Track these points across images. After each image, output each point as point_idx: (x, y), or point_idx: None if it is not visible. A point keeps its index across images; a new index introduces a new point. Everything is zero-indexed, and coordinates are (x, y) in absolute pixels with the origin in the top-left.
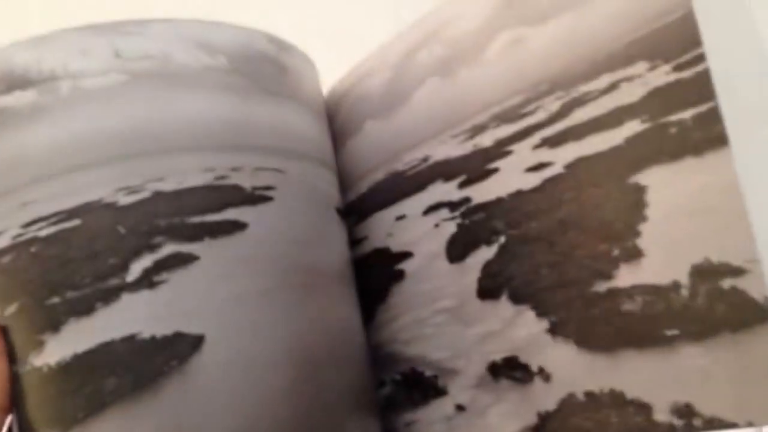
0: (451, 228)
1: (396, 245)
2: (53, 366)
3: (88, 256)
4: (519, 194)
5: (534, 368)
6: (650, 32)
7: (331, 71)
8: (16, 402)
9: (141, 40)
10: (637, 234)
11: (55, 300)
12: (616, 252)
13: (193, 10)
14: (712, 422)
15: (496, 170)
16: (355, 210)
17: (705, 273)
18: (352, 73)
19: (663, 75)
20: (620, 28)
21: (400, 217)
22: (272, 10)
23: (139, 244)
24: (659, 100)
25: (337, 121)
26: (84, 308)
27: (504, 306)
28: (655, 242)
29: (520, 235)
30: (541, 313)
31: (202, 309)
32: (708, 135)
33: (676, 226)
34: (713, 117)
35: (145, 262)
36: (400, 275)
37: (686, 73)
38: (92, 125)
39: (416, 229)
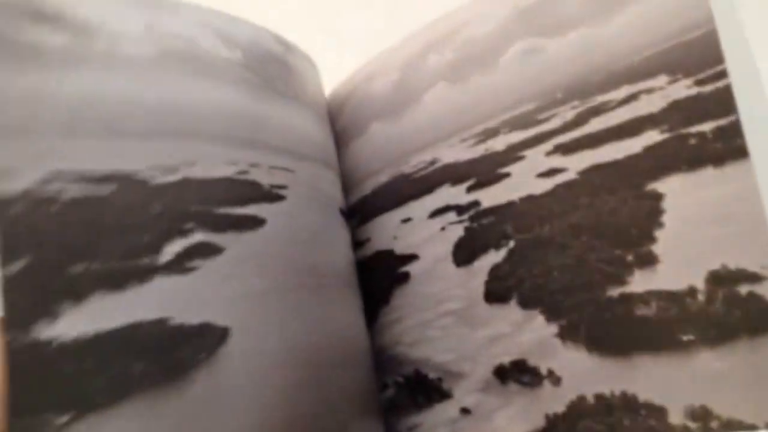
0: (458, 231)
1: (401, 248)
2: (68, 342)
3: (121, 229)
4: (531, 199)
5: (543, 371)
6: (671, 47)
7: (328, 73)
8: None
9: (172, 19)
10: (653, 240)
11: (79, 268)
12: (630, 257)
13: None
14: (730, 424)
15: (507, 175)
16: (358, 212)
17: (722, 279)
18: (356, 75)
19: (684, 88)
20: (638, 42)
21: (406, 220)
22: (270, 12)
23: (171, 226)
24: (679, 112)
25: (340, 122)
26: (114, 283)
27: (513, 309)
28: (672, 248)
29: (531, 239)
30: (551, 316)
31: (228, 301)
32: (728, 147)
33: (693, 233)
34: (734, 130)
35: (177, 245)
36: (405, 277)
37: (707, 88)
38: (128, 93)
39: (422, 231)
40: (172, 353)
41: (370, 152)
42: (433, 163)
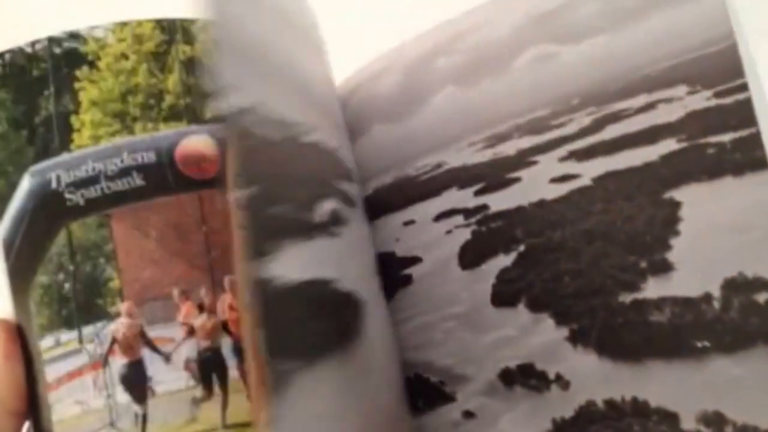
0: (464, 235)
1: (403, 250)
2: (280, 286)
3: (292, 179)
4: (542, 204)
5: (551, 375)
6: (691, 59)
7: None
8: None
9: None
10: (668, 247)
11: (278, 209)
12: (644, 264)
13: None
14: (745, 430)
15: (517, 179)
16: None
17: (738, 286)
18: (356, 76)
19: (703, 100)
20: (657, 53)
21: (408, 222)
22: None
23: (317, 187)
24: (697, 122)
25: None
26: (299, 233)
27: (521, 313)
28: (688, 256)
29: (542, 244)
30: (561, 320)
31: (360, 273)
32: (748, 157)
33: (711, 241)
34: (753, 142)
35: (325, 207)
36: (407, 280)
37: (727, 100)
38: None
39: (426, 234)
40: (339, 315)
41: (373, 153)
42: (439, 166)
